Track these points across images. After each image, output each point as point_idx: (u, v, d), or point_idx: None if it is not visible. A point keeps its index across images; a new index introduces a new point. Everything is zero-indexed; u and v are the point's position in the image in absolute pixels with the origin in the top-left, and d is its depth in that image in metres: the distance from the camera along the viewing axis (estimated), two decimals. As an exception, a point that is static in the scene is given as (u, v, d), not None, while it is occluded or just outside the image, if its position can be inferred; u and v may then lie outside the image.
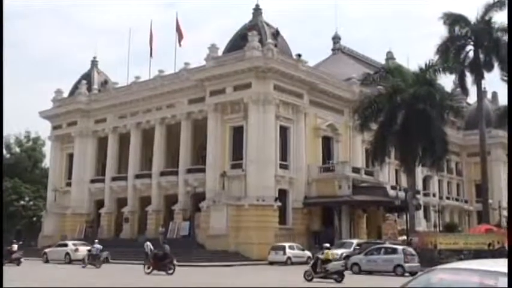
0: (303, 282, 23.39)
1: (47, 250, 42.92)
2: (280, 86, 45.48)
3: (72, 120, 58.57)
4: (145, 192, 52.43)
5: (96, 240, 38.07)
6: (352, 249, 34.74)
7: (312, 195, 46.60)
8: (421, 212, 59.00)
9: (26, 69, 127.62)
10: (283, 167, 45.52)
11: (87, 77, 61.22)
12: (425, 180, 66.79)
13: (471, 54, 43.68)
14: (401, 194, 45.14)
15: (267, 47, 45.44)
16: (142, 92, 53.46)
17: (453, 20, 42.37)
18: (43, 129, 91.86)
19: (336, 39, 74.37)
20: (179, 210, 48.57)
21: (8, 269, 29.32)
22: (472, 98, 54.15)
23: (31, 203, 66.97)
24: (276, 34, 48.34)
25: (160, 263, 27.89)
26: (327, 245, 25.51)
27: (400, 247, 30.83)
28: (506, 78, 40.40)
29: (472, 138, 62.42)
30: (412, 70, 41.02)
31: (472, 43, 43.56)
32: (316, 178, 47.17)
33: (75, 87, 60.69)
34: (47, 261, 40.77)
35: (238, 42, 47.41)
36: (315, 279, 23.55)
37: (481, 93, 44.38)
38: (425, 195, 65.71)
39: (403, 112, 37.90)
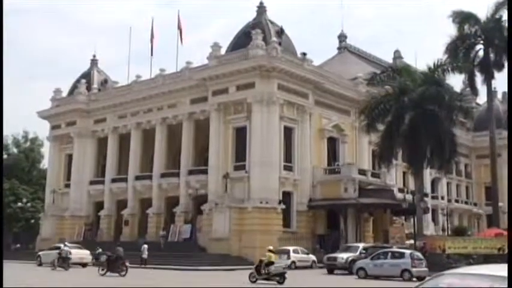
0: (247, 284, 24.69)
1: (40, 253, 43.06)
2: (285, 85, 45.49)
3: (71, 120, 58.67)
4: (146, 194, 52.49)
5: (66, 243, 38.56)
6: (358, 253, 34.70)
7: (317, 198, 46.58)
8: (429, 216, 58.87)
9: (24, 67, 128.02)
10: (288, 168, 45.52)
11: (87, 76, 61.35)
12: (434, 183, 66.70)
13: (481, 53, 43.66)
14: (409, 197, 45.18)
15: (271, 46, 45.44)
16: (143, 91, 53.52)
17: (463, 18, 42.32)
18: (41, 130, 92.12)
19: (342, 37, 74.37)
20: (180, 213, 48.61)
21: None
22: (482, 99, 54.14)
23: (29, 204, 67.07)
24: (281, 32, 48.35)
25: (113, 265, 29.85)
26: (271, 247, 26.84)
27: (407, 251, 30.82)
28: None
29: (482, 140, 62.31)
30: (421, 70, 40.99)
31: (482, 42, 43.52)
32: (321, 180, 47.15)
33: (75, 86, 60.79)
34: (40, 264, 40.87)
35: (242, 40, 47.44)
36: (258, 281, 24.84)
37: (491, 93, 44.36)
38: (433, 198, 65.61)
39: (411, 113, 37.87)
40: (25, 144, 78.16)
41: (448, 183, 69.97)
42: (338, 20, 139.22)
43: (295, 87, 46.21)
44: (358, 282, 28.26)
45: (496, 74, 44.19)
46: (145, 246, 39.86)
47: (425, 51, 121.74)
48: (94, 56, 63.59)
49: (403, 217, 52.40)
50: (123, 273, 28.96)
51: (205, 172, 47.13)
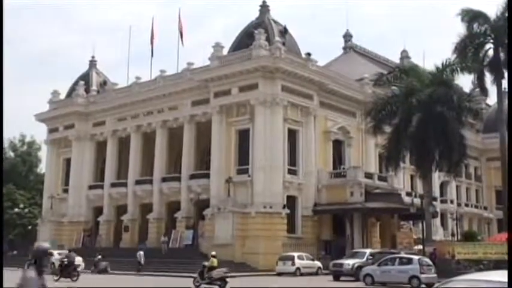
0: None
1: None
2: (289, 86, 45.54)
3: (69, 123, 58.79)
4: (146, 199, 52.55)
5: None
6: (364, 259, 34.67)
7: (322, 202, 46.58)
8: (438, 220, 58.81)
9: (21, 68, 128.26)
10: (292, 172, 45.54)
11: (85, 77, 61.50)
12: (443, 186, 66.64)
13: (491, 52, 43.51)
14: (417, 201, 45.13)
15: (274, 46, 45.51)
16: (143, 93, 53.62)
17: (472, 16, 42.22)
18: (39, 133, 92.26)
19: (348, 37, 74.41)
20: (182, 218, 48.66)
21: None
22: (492, 99, 54.00)
23: (26, 210, 67.21)
24: (284, 32, 48.41)
25: (66, 271, 31.61)
26: (213, 253, 28.99)
27: (415, 257, 30.78)
28: None
29: (492, 142, 62.24)
30: (428, 70, 40.97)
31: (491, 41, 43.40)
32: (326, 184, 47.14)
33: (73, 88, 60.93)
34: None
35: (244, 40, 47.50)
36: (202, 286, 26.65)
37: (501, 93, 44.19)
38: (442, 202, 65.55)
39: (419, 114, 37.85)
40: (22, 148, 78.41)
41: (457, 187, 69.89)
42: (343, 19, 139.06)
43: (299, 88, 46.25)
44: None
45: (507, 74, 44.09)
46: (141, 253, 40.29)
47: (433, 51, 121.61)
48: (93, 57, 63.81)
49: (411, 222, 52.36)
50: (75, 278, 30.92)
51: (207, 176, 47.18)
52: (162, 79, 53.49)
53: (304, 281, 33.09)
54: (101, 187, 56.31)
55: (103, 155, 57.52)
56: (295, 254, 38.37)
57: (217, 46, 48.42)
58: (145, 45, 58.03)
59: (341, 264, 34.45)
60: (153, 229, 50.67)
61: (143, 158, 54.87)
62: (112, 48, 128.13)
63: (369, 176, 48.29)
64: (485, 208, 73.21)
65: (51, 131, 60.99)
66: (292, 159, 45.89)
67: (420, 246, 40.63)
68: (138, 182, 53.46)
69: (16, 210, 66.09)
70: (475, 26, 42.80)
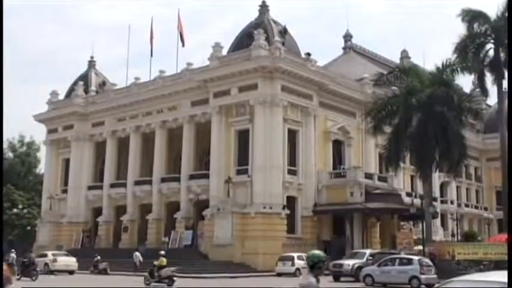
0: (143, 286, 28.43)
1: (23, 260, 43.46)
2: (288, 86, 45.55)
3: (68, 124, 58.78)
4: (146, 199, 52.56)
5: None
6: (364, 259, 34.70)
7: (322, 203, 46.59)
8: (438, 221, 58.81)
9: (20, 69, 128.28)
10: (292, 172, 45.55)
11: (84, 78, 61.48)
12: (443, 187, 66.67)
13: (491, 52, 43.55)
14: (417, 201, 45.18)
15: (274, 46, 45.53)
16: (142, 93, 53.63)
17: (472, 16, 42.25)
18: (38, 133, 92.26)
19: (348, 37, 74.46)
20: (181, 219, 48.65)
21: None
22: (492, 100, 54.04)
23: (25, 211, 67.19)
24: (284, 32, 48.43)
25: (26, 270, 33.06)
26: (163, 252, 30.80)
27: (415, 257, 30.80)
28: None
29: (492, 142, 62.30)
30: (429, 70, 41.03)
31: (492, 41, 43.44)
32: (326, 184, 47.16)
33: (72, 88, 60.93)
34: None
35: (244, 40, 47.53)
36: (152, 284, 28.59)
37: (501, 94, 44.21)
38: (442, 202, 65.59)
39: (419, 114, 37.86)
40: (21, 148, 78.39)
41: (457, 187, 69.94)
42: (343, 19, 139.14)
43: (299, 88, 46.27)
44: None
45: (507, 74, 44.12)
46: (137, 253, 40.64)
47: (433, 51, 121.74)
48: (92, 57, 63.76)
49: (411, 222, 52.38)
50: (34, 278, 32.36)
51: (206, 176, 47.19)
52: (161, 79, 53.50)
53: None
54: (100, 188, 56.30)
55: (102, 156, 57.52)
56: (295, 255, 38.37)
57: (217, 46, 48.44)
58: (145, 45, 58.31)
59: (341, 265, 34.47)
60: (153, 230, 50.67)
61: (142, 159, 54.88)
62: (111, 49, 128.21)
63: (368, 176, 48.30)
64: (485, 208, 73.19)
65: (50, 131, 60.97)
66: (292, 160, 45.89)
67: (420, 247, 40.65)
68: (137, 183, 53.46)
69: (15, 210, 66.06)
70: (476, 26, 42.83)
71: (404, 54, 72.83)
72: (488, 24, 42.61)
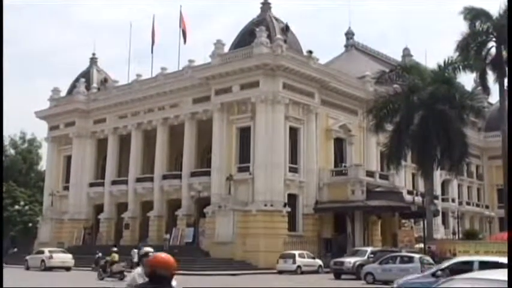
0: (96, 281, 30.25)
1: (27, 257, 43.92)
2: (290, 84, 45.54)
3: (70, 121, 58.82)
4: (147, 196, 52.60)
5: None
6: (366, 257, 34.69)
7: (324, 200, 46.60)
8: (439, 219, 58.91)
9: (21, 66, 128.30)
10: (293, 170, 45.56)
11: (86, 75, 61.52)
12: (444, 185, 66.70)
13: (493, 51, 43.56)
14: (418, 199, 45.09)
15: (275, 43, 45.50)
16: (144, 90, 53.64)
17: (474, 14, 42.25)
18: (39, 130, 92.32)
19: (349, 34, 74.39)
20: (183, 216, 48.71)
21: None
22: (494, 98, 54.04)
23: (26, 207, 67.27)
24: (286, 29, 48.39)
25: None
26: (115, 249, 33.33)
27: (417, 255, 30.81)
28: None
29: (494, 140, 62.31)
30: (430, 68, 41.00)
31: (494, 39, 43.44)
32: (327, 182, 47.17)
33: (73, 85, 60.94)
34: (27, 268, 41.95)
35: (246, 38, 47.50)
36: (105, 279, 30.46)
37: (503, 92, 44.23)
38: (443, 200, 65.63)
39: (421, 112, 37.89)
40: (22, 145, 78.49)
41: (459, 185, 69.99)
42: (345, 17, 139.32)
43: (300, 86, 46.26)
44: (366, 287, 28.27)
45: (507, 73, 44.10)
46: (135, 250, 40.68)
47: (435, 49, 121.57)
48: (93, 54, 63.80)
49: (413, 220, 52.41)
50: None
51: (208, 174, 47.23)
52: (163, 77, 53.51)
53: (305, 279, 33.11)
54: (102, 185, 56.35)
55: (104, 153, 57.56)
56: (296, 252, 38.37)
57: (219, 43, 48.42)
58: (147, 42, 58.37)
59: (342, 263, 34.48)
60: (154, 227, 50.73)
61: (144, 156, 54.93)
62: (113, 46, 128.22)
63: (370, 174, 48.31)
64: (486, 207, 73.26)
65: (52, 128, 61.02)
66: (294, 157, 45.90)
67: (421, 245, 40.67)
68: (138, 180, 53.52)
69: (17, 207, 66.17)
70: (478, 24, 42.83)
71: (406, 52, 72.75)
72: (490, 22, 42.61)
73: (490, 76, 44.31)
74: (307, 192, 46.20)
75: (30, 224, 66.19)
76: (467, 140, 40.38)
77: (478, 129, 71.52)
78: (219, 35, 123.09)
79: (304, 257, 38.46)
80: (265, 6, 49.49)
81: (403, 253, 32.86)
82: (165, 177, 51.64)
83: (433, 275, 18.79)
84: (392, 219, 49.51)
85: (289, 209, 44.00)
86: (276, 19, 49.04)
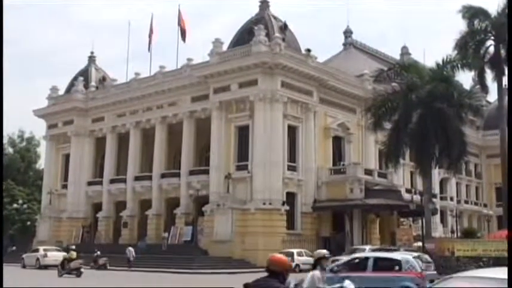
0: (56, 277, 32.08)
1: (24, 255, 44.22)
2: (288, 82, 45.54)
3: (68, 119, 58.80)
4: (146, 195, 52.61)
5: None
6: (364, 256, 34.63)
7: (322, 199, 46.62)
8: (437, 217, 58.86)
9: (20, 64, 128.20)
10: (292, 168, 45.57)
11: (84, 73, 61.50)
12: (442, 183, 66.70)
13: (491, 49, 43.53)
14: (417, 198, 45.16)
15: (274, 42, 45.49)
16: (143, 89, 53.62)
17: (473, 13, 42.19)
18: (38, 129, 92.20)
19: (348, 33, 74.38)
20: (181, 214, 48.71)
21: None
22: (493, 96, 54.02)
23: (25, 206, 67.19)
24: (284, 28, 48.39)
25: None
26: (73, 247, 36.49)
27: (415, 254, 30.78)
28: None
29: (492, 139, 62.33)
30: (429, 66, 40.93)
31: (492, 38, 43.41)
32: (326, 180, 47.18)
33: (72, 84, 60.92)
34: (24, 266, 42.41)
35: (244, 36, 47.49)
36: (64, 275, 32.43)
37: (501, 90, 44.20)
38: (442, 199, 65.62)
39: (419, 111, 37.80)
40: (21, 144, 78.36)
41: (457, 184, 70.01)
42: (344, 15, 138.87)
43: (299, 84, 46.26)
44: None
45: (507, 71, 44.08)
46: (131, 249, 41.08)
47: (433, 47, 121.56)
48: (92, 52, 63.73)
49: (411, 219, 52.41)
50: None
51: (206, 172, 47.23)
52: (161, 75, 53.49)
53: (303, 277, 33.07)
54: (100, 183, 56.35)
55: (102, 151, 57.56)
56: (295, 251, 38.39)
57: (217, 42, 48.41)
58: (145, 41, 58.03)
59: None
60: (152, 225, 50.74)
61: (142, 154, 54.92)
62: (112, 44, 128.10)
63: (368, 172, 48.33)
64: (485, 205, 73.29)
65: (50, 126, 60.99)
66: (292, 156, 45.91)
67: (420, 243, 40.65)
68: (137, 178, 53.51)
69: (15, 206, 66.10)
70: (476, 22, 42.77)
71: (405, 51, 72.75)
72: (488, 20, 42.57)
73: (489, 74, 44.26)
74: (305, 190, 46.21)
75: (28, 223, 66.15)
76: (466, 138, 40.32)
77: (477, 127, 71.48)
78: (217, 34, 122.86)
79: (302, 256, 38.46)
80: (264, 5, 49.47)
81: (402, 251, 32.82)
82: (163, 175, 51.64)
83: (332, 270, 19.77)
84: (391, 217, 49.53)
85: (287, 208, 44.03)
86: (275, 17, 49.04)
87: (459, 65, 39.09)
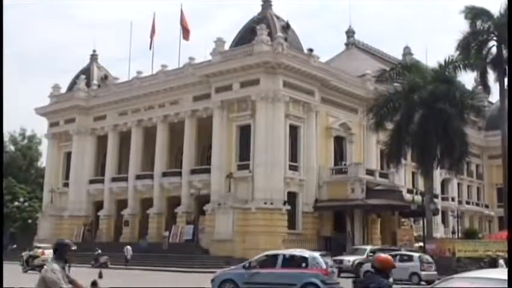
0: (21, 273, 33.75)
1: (23, 254, 44.32)
2: (290, 82, 45.52)
3: (70, 117, 58.82)
4: (147, 194, 52.61)
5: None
6: (365, 256, 34.75)
7: (323, 199, 46.60)
8: (438, 217, 58.88)
9: (22, 63, 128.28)
10: (293, 168, 45.55)
11: (86, 71, 61.47)
12: (444, 184, 66.65)
13: (494, 50, 43.52)
14: (418, 198, 45.09)
15: (276, 41, 45.47)
16: (144, 88, 53.63)
17: (475, 13, 42.20)
18: (39, 127, 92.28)
19: (350, 33, 74.25)
20: (182, 213, 48.72)
21: None
22: (495, 97, 54.02)
23: (26, 204, 67.27)
24: (286, 27, 48.38)
25: None
26: (37, 244, 38.49)
27: (416, 254, 30.86)
28: None
29: (494, 139, 62.21)
30: (431, 67, 40.98)
31: (495, 38, 43.41)
32: (327, 180, 47.17)
33: (74, 82, 60.93)
34: (23, 264, 42.22)
35: (246, 36, 47.48)
36: (28, 272, 34.03)
37: (503, 91, 44.19)
38: (443, 199, 65.56)
39: (421, 111, 37.86)
40: (22, 141, 78.44)
41: (458, 184, 69.97)
42: (346, 15, 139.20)
43: (301, 84, 46.25)
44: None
45: (507, 72, 44.06)
46: (129, 247, 41.30)
47: (436, 47, 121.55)
48: (94, 51, 63.72)
49: (412, 219, 52.38)
50: None
51: (207, 171, 47.23)
52: (163, 74, 53.50)
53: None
54: (102, 181, 56.37)
55: (104, 150, 57.55)
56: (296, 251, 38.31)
57: (219, 41, 48.40)
58: (148, 40, 58.05)
59: (341, 261, 34.50)
60: (154, 224, 50.76)
61: (144, 153, 54.92)
62: (113, 43, 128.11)
63: (370, 172, 48.29)
64: (486, 206, 73.25)
65: (52, 125, 61.02)
66: (294, 155, 45.89)
67: (421, 244, 40.68)
68: (138, 177, 53.51)
69: (16, 204, 66.17)
70: (479, 23, 42.78)
71: (407, 51, 72.63)
72: (491, 21, 42.56)
73: (491, 75, 44.26)
74: (307, 190, 46.20)
75: (29, 221, 66.19)
76: (468, 139, 40.35)
77: (478, 128, 71.46)
78: (219, 33, 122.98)
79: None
80: (266, 4, 49.47)
81: (403, 252, 32.90)
82: (165, 174, 51.65)
83: (244, 267, 21.36)
84: (392, 217, 49.51)
85: (288, 207, 44.02)
86: (277, 17, 49.03)
87: (461, 66, 39.15)
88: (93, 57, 63.36)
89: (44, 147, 70.08)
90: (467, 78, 71.46)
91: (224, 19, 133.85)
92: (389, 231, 48.53)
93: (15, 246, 60.14)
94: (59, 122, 60.10)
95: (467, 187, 72.50)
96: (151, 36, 57.35)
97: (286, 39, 46.59)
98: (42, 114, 61.77)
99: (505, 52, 42.76)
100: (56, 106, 60.22)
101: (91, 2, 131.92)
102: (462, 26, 42.81)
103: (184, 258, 39.99)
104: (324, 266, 20.49)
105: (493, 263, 30.47)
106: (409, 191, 54.45)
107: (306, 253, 22.01)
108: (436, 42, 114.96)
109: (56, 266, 7.46)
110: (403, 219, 50.87)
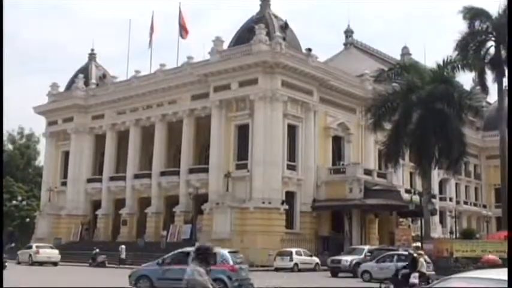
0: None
1: (19, 252, 44.70)
2: (289, 82, 45.51)
3: (68, 116, 58.75)
4: (145, 193, 52.57)
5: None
6: (363, 255, 34.69)
7: (321, 198, 46.60)
8: (436, 218, 58.87)
9: (20, 61, 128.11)
10: (291, 168, 45.55)
11: (85, 70, 61.43)
12: (442, 184, 66.70)
13: (492, 50, 43.55)
14: (416, 198, 45.07)
15: (275, 41, 45.47)
16: (143, 87, 53.58)
17: (473, 14, 42.23)
18: (38, 126, 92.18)
19: (349, 33, 74.33)
20: (180, 213, 48.69)
21: None
22: (493, 97, 54.05)
23: (24, 203, 67.28)
24: (285, 27, 48.37)
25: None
26: (12, 245, 36.82)
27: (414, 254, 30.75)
28: None
29: (492, 140, 62.38)
30: (429, 67, 40.92)
31: (493, 39, 43.44)
32: (325, 180, 47.17)
33: (72, 81, 60.88)
34: (19, 262, 42.84)
35: (245, 35, 47.46)
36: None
37: (502, 91, 44.21)
38: (441, 199, 65.61)
39: (419, 111, 37.79)
40: (20, 140, 78.41)
41: (456, 185, 70.02)
42: (345, 15, 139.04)
43: (299, 83, 46.24)
44: (362, 285, 28.26)
45: (507, 72, 44.08)
46: (123, 246, 41.62)
47: (434, 48, 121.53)
48: (92, 50, 63.69)
49: (410, 219, 52.39)
50: None
51: (206, 171, 47.20)
52: (161, 73, 53.46)
53: (302, 277, 33.09)
54: (100, 181, 56.32)
55: (102, 149, 57.50)
56: (293, 250, 38.34)
57: (218, 40, 48.38)
58: (146, 39, 58.03)
59: (339, 261, 34.47)
60: (152, 223, 50.70)
61: (142, 152, 54.88)
62: (112, 42, 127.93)
63: (368, 172, 48.32)
64: (484, 206, 73.33)
65: (50, 123, 60.95)
66: (292, 155, 45.89)
67: (418, 244, 40.60)
68: (136, 176, 53.47)
69: (14, 202, 66.14)
70: (477, 23, 42.84)
71: (405, 51, 72.72)
72: (489, 21, 42.61)
73: (489, 75, 44.33)
74: (305, 190, 46.21)
75: (27, 219, 66.20)
76: (466, 139, 40.29)
77: (477, 128, 71.51)
78: (218, 32, 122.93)
79: (301, 255, 38.46)
80: (265, 4, 49.45)
81: (400, 252, 32.84)
82: (163, 173, 51.61)
83: (158, 263, 21.80)
84: (390, 217, 49.53)
85: (286, 207, 44.02)
86: (275, 16, 49.01)
87: (460, 66, 39.08)
88: (92, 56, 63.30)
89: (42, 146, 70.18)
90: (466, 79, 71.46)
91: (223, 18, 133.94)
92: (387, 231, 48.55)
93: (13, 245, 60.06)
94: (57, 120, 60.04)
95: (465, 187, 72.57)
96: (151, 36, 57.32)
97: (284, 39, 46.58)
98: (40, 113, 61.70)
99: (503, 52, 42.80)
100: (54, 105, 60.15)
101: (89, 1, 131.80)
102: (460, 27, 42.89)
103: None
104: (231, 263, 20.98)
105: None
106: (407, 191, 54.44)
107: (215, 250, 22.29)
108: (434, 43, 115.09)
109: (202, 270, 7.76)
110: (401, 219, 50.86)
